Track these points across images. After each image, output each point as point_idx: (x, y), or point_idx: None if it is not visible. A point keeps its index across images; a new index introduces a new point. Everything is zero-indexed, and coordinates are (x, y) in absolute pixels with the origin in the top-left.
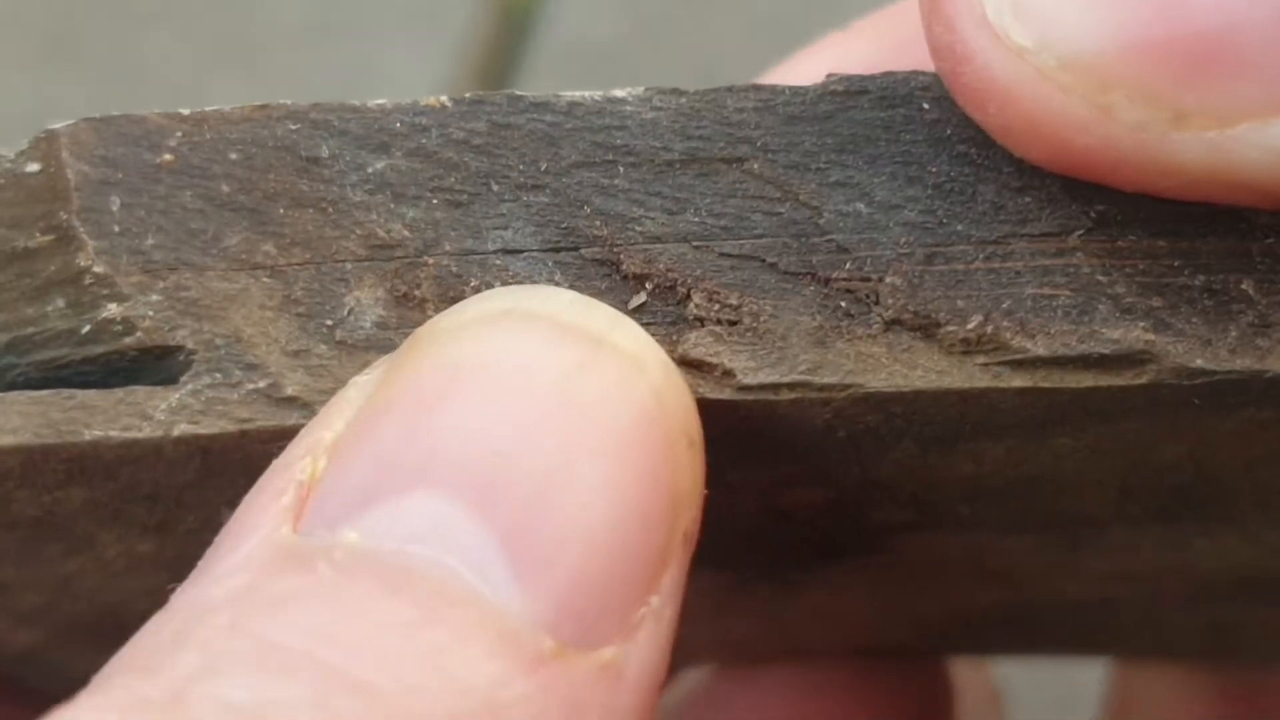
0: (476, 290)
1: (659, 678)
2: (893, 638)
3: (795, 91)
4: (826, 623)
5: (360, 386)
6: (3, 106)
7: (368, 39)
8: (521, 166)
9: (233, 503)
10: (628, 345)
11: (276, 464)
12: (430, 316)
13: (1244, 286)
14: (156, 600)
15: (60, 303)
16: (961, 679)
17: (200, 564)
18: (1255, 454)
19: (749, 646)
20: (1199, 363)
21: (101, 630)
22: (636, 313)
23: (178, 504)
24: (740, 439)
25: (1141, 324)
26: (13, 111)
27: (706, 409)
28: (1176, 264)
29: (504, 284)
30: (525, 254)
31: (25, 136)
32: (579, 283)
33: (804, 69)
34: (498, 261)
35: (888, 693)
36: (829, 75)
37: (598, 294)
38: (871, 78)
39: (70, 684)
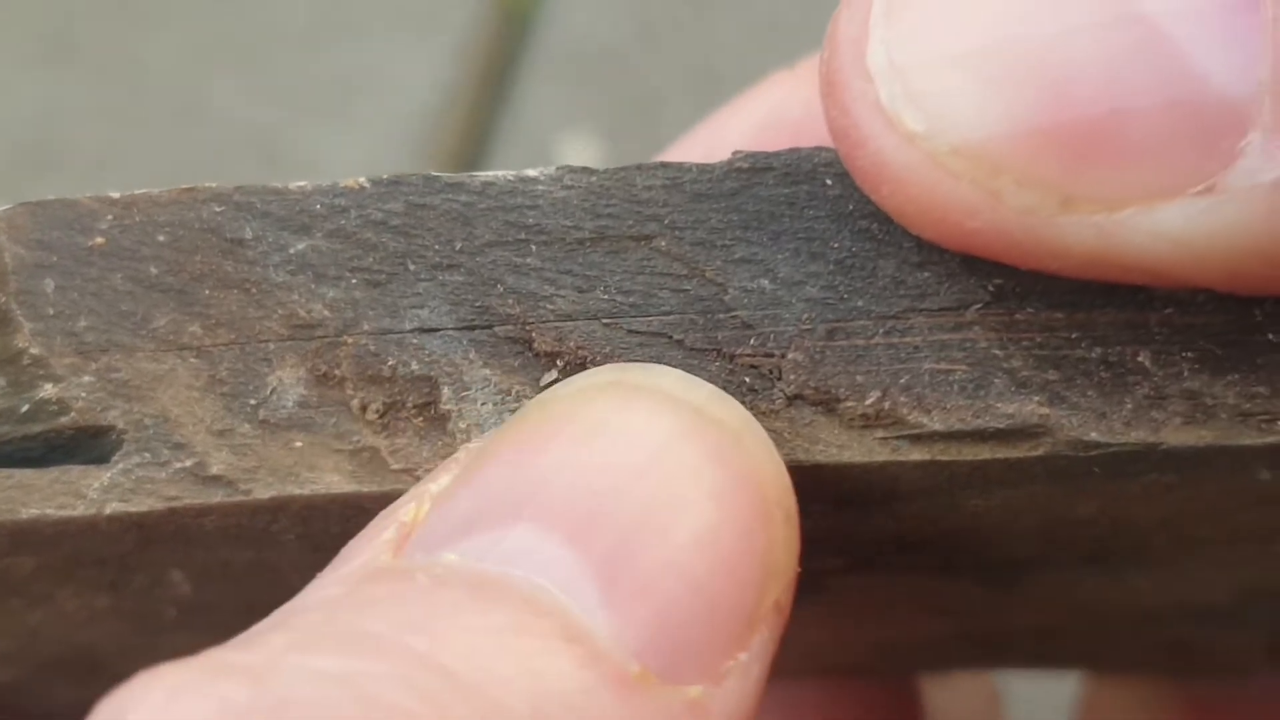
0: (394, 370)
1: None
2: (854, 660)
3: (702, 169)
4: (786, 648)
5: (468, 450)
6: (5, 107)
7: (368, 40)
8: (437, 246)
9: (179, 563)
10: (728, 418)
11: (381, 513)
12: (349, 395)
13: (1140, 359)
14: (123, 642)
15: (1, 381)
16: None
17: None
18: (1167, 512)
19: None
20: (1093, 436)
21: (77, 666)
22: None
23: (125, 567)
24: None
25: (1036, 398)
26: (15, 112)
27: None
28: (1074, 336)
29: (420, 363)
30: (441, 332)
31: (27, 136)
32: (492, 360)
33: (748, 111)
34: (414, 340)
35: (859, 709)
36: (735, 153)
37: (510, 371)
38: (776, 154)
39: (59, 709)
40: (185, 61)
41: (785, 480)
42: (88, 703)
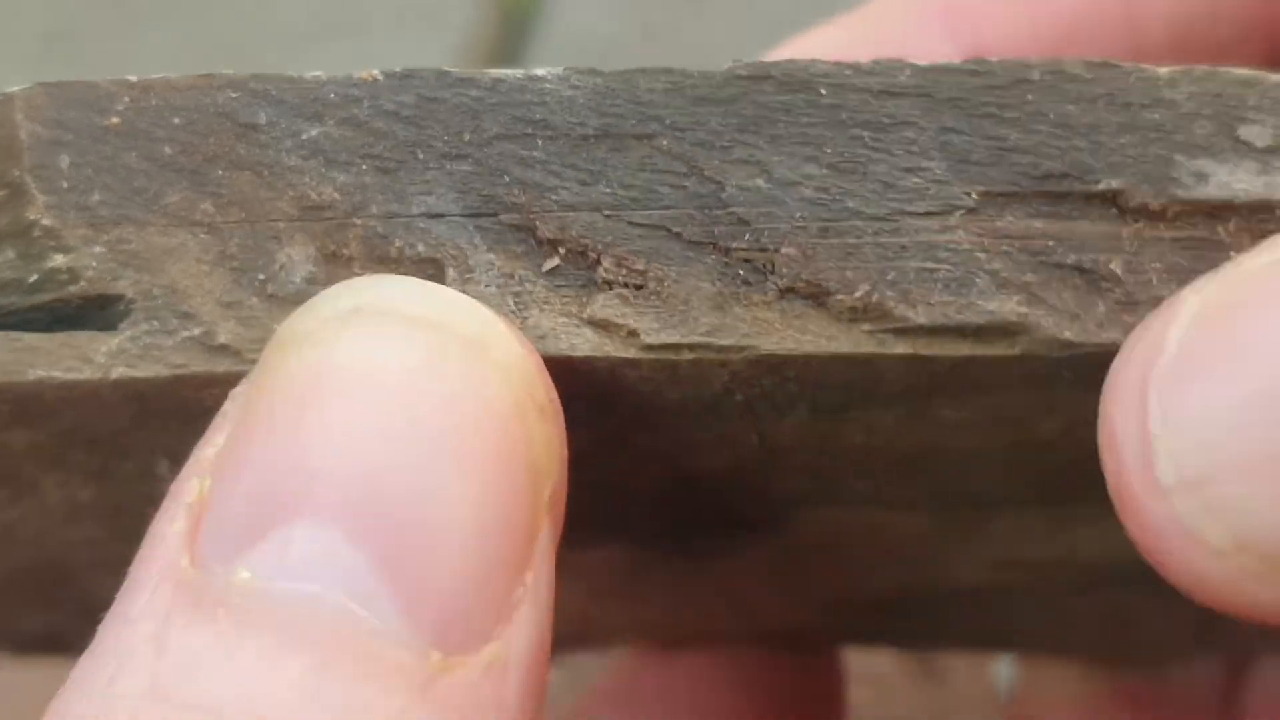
0: (400, 251)
1: (544, 653)
2: (798, 621)
3: (703, 75)
4: (734, 604)
5: (235, 399)
6: None
7: (368, 39)
8: (446, 137)
9: (168, 451)
10: (470, 328)
11: (173, 486)
12: (357, 274)
13: (1113, 266)
14: (95, 552)
15: (10, 254)
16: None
17: (120, 593)
18: None
19: (660, 626)
20: (1068, 335)
21: (45, 579)
22: (550, 275)
23: (116, 450)
24: (644, 404)
25: (1016, 298)
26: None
27: (614, 375)
28: (1051, 244)
29: (427, 245)
30: (447, 218)
31: None
32: (497, 245)
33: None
34: (421, 224)
35: (788, 682)
36: (734, 61)
37: (514, 257)
38: (774, 64)
39: (18, 637)
40: (183, 61)
41: (534, 372)
42: (52, 636)
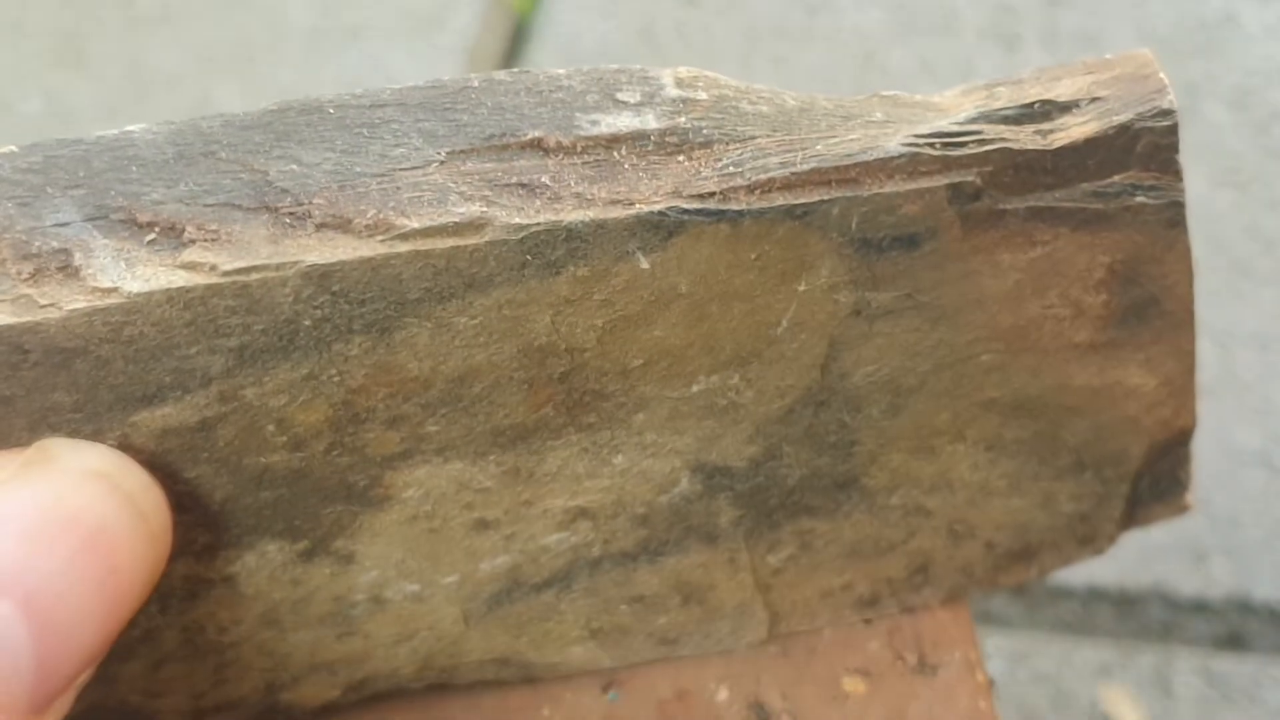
0: (39, 248)
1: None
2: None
3: (246, 113)
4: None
5: None
6: (14, 107)
7: (369, 42)
8: (66, 177)
9: None
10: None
11: None
12: (9, 269)
13: (544, 179)
14: None
15: None
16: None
17: None
18: (608, 320)
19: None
20: (517, 220)
21: None
22: (150, 245)
23: None
24: (245, 346)
25: (478, 206)
26: (24, 113)
27: (208, 308)
28: (500, 174)
29: (59, 242)
30: (72, 224)
31: (35, 137)
32: (110, 233)
33: None
34: (53, 231)
35: None
36: (277, 102)
37: (123, 239)
38: (295, 99)
39: None
40: (188, 64)
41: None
42: None
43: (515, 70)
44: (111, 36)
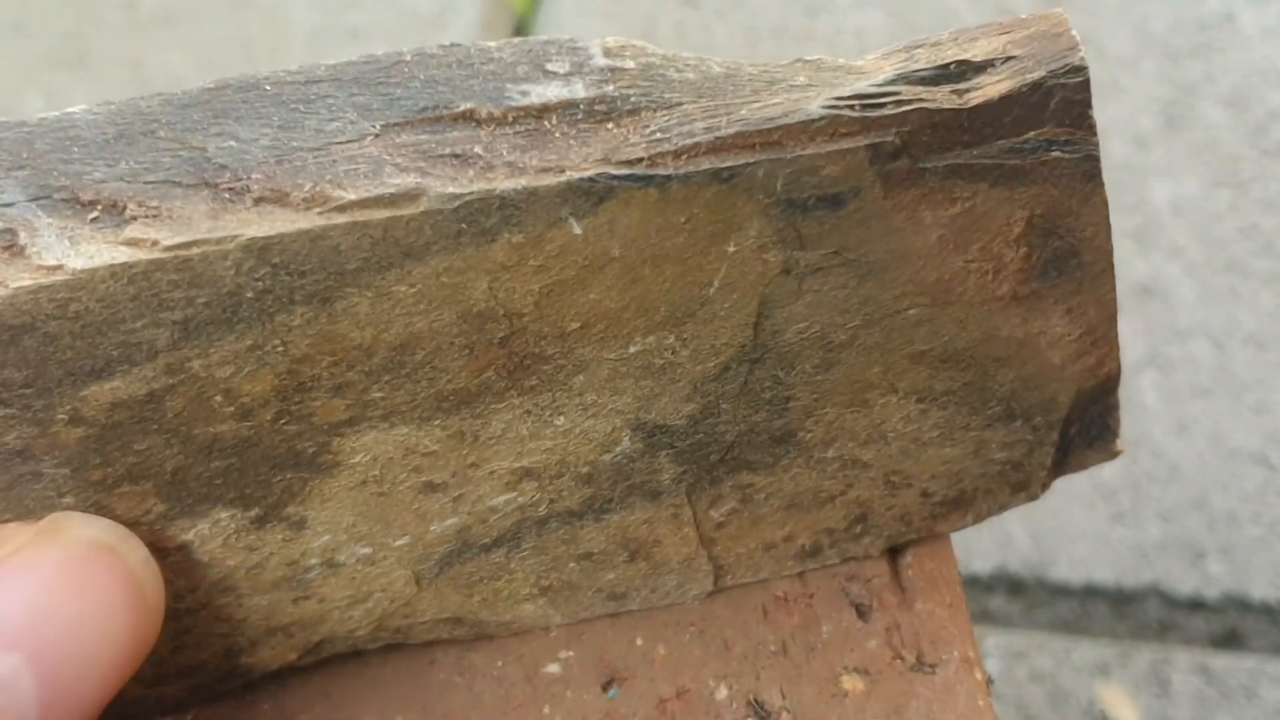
0: None
1: None
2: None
3: (185, 91)
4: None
5: None
6: (17, 109)
7: (370, 43)
8: (10, 158)
9: None
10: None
11: None
12: None
13: (476, 150)
14: None
15: None
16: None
17: None
18: (544, 285)
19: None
20: (451, 189)
21: None
22: (93, 223)
23: None
24: (189, 320)
25: (413, 176)
26: (27, 113)
27: (152, 284)
28: (434, 145)
29: (4, 222)
30: (17, 204)
31: None
32: (54, 213)
33: None
34: (1, 208)
35: None
36: (215, 80)
37: (66, 217)
38: (233, 76)
39: None
40: (190, 65)
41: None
42: None
43: (446, 44)
44: (113, 37)
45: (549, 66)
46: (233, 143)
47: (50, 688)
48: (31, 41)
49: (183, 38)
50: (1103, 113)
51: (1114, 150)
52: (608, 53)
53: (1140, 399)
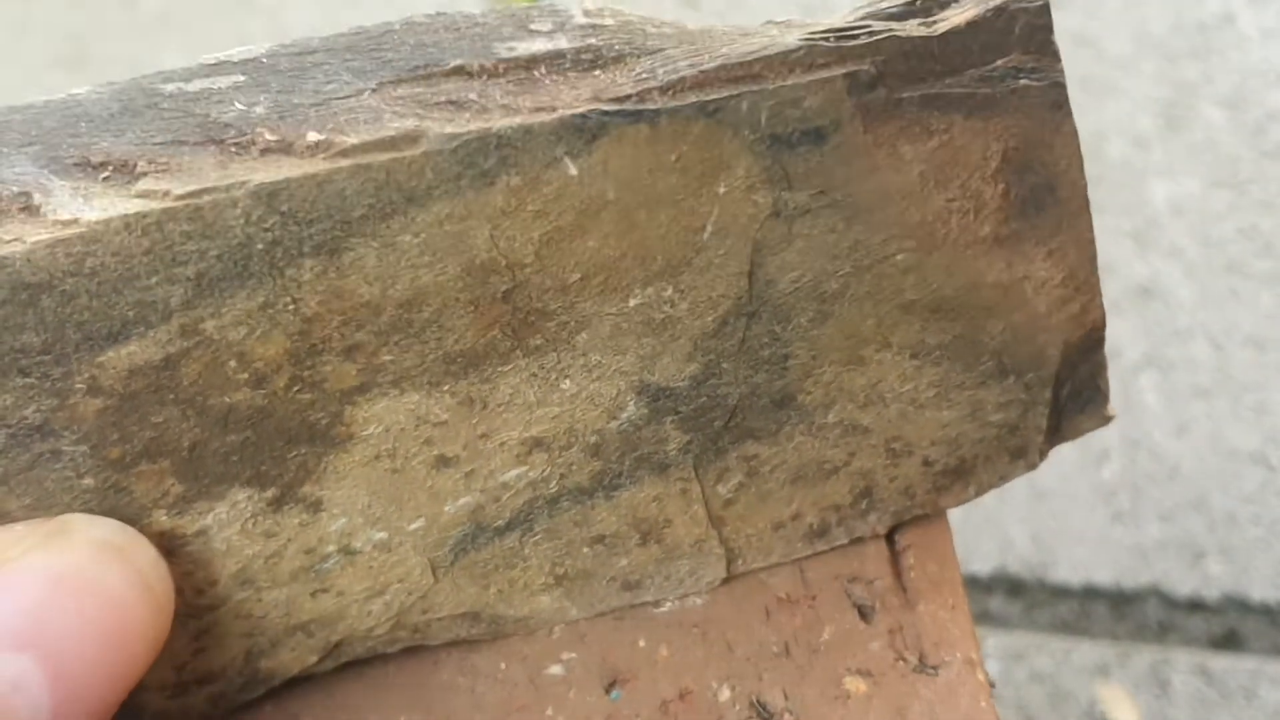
0: (4, 191)
1: None
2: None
3: (184, 68)
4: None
5: None
6: None
7: None
8: (19, 137)
9: None
10: (123, 550)
11: None
12: None
13: (470, 96)
14: None
15: None
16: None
17: None
18: (544, 232)
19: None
20: (450, 129)
21: None
22: (105, 181)
23: None
24: (203, 275)
25: (411, 121)
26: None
27: (165, 235)
28: (429, 96)
29: (19, 186)
30: (30, 172)
31: None
32: (65, 176)
33: None
34: (13, 178)
35: None
36: (212, 57)
37: (77, 179)
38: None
39: None
40: (191, 62)
41: (158, 566)
42: None
43: (432, 13)
44: (114, 37)
45: (532, 26)
46: (236, 107)
47: (61, 688)
48: (33, 41)
49: (182, 38)
50: (1102, 113)
51: (1114, 150)
52: (587, 14)
53: (1140, 399)
